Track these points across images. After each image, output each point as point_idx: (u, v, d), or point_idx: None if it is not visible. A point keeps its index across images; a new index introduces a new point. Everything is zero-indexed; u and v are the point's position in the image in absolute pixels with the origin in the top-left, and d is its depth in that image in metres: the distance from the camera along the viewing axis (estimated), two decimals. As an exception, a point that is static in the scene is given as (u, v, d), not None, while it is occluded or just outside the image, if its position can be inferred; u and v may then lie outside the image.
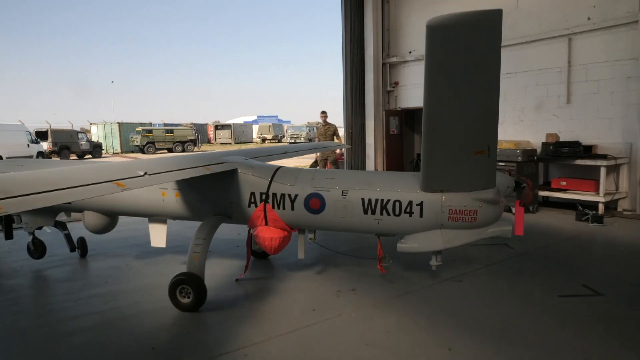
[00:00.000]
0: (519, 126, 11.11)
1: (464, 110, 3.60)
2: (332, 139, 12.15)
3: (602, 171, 8.86)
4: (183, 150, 40.39)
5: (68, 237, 6.36)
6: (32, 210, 5.15)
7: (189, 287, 4.47)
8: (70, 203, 5.04)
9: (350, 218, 4.54)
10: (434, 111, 3.64)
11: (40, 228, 6.17)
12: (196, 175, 4.31)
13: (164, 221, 5.42)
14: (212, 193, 4.98)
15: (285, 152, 7.13)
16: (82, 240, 6.59)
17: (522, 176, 4.96)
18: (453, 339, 3.86)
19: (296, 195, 4.68)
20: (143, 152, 38.58)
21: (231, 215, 5.01)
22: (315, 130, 45.04)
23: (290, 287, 5.22)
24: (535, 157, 9.63)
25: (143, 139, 39.20)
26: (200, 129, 51.26)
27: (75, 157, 33.27)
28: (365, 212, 4.47)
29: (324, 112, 12.49)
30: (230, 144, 52.91)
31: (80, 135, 34.62)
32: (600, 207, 8.87)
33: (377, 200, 4.44)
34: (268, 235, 4.70)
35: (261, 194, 4.79)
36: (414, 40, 13.86)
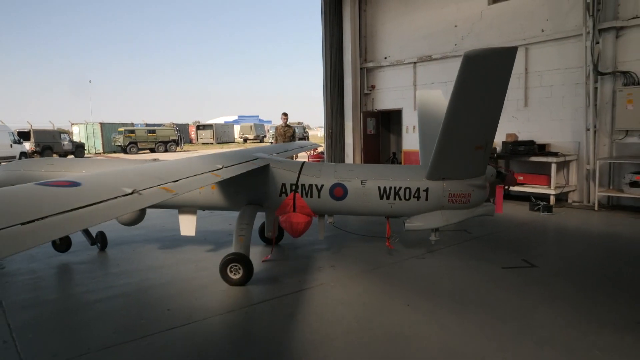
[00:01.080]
0: (483, 127, 12.18)
1: (477, 117, 4.76)
2: (290, 141, 12.65)
3: (553, 167, 9.99)
4: (165, 150, 40.73)
5: (87, 232, 6.86)
6: None
7: (239, 264, 5.25)
8: None
9: (369, 203, 5.57)
10: (456, 118, 4.71)
11: None
12: (248, 170, 5.10)
13: (193, 212, 6.09)
14: (247, 185, 5.74)
15: (285, 150, 8.01)
16: (101, 234, 7.04)
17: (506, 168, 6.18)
18: (412, 299, 4.82)
19: (322, 185, 5.62)
20: (125, 152, 38.81)
21: (263, 204, 5.84)
22: (296, 130, 45.92)
23: (290, 265, 6.12)
24: (495, 155, 10.70)
25: (125, 139, 39.42)
26: (182, 129, 51.51)
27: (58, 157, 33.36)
28: (381, 198, 5.52)
29: (285, 114, 12.94)
30: (212, 144, 53.31)
31: (62, 136, 34.70)
32: (552, 198, 10.00)
33: (390, 187, 5.52)
34: (295, 220, 5.57)
35: (291, 185, 5.67)
36: (388, 47, 14.87)
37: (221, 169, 4.61)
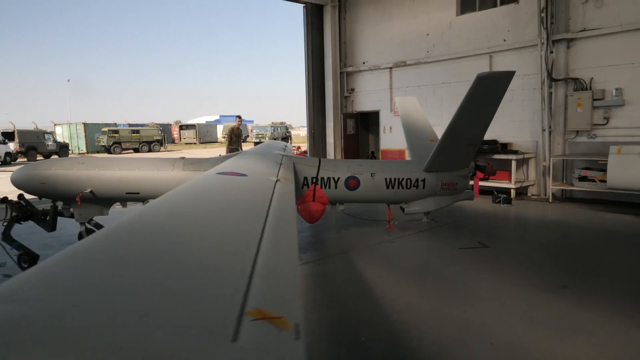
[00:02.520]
0: (453, 127, 13.30)
1: (477, 123, 6.00)
2: (240, 139, 13.68)
3: (513, 164, 11.12)
4: (149, 150, 41.13)
5: (97, 226, 7.29)
6: (90, 202, 6.44)
7: None
8: (138, 193, 6.38)
9: (377, 192, 6.72)
10: (462, 124, 5.95)
11: (89, 221, 6.87)
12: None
13: None
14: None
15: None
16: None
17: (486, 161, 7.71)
18: (381, 273, 5.79)
19: (338, 178, 6.62)
20: (109, 152, 39.10)
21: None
22: (279, 130, 46.72)
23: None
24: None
25: (109, 139, 39.71)
26: (165, 129, 51.84)
27: (42, 158, 33.60)
28: (387, 188, 6.68)
29: (239, 117, 13.92)
30: (195, 143, 53.74)
31: (46, 136, 34.86)
32: (512, 192, 11.12)
33: (395, 179, 6.72)
34: (314, 208, 6.51)
35: (312, 178, 6.63)
36: (367, 53, 15.89)
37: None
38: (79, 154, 40.67)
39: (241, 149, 12.85)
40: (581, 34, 10.61)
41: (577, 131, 10.85)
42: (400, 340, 3.99)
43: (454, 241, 7.29)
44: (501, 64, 12.18)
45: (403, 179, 6.73)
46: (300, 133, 63.83)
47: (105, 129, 41.00)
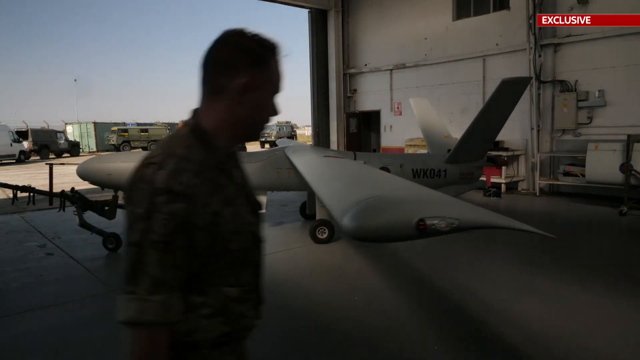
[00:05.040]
0: (449, 126, 14.03)
1: (497, 120, 6.84)
2: None
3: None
4: (158, 149, 42.03)
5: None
6: None
7: (324, 227, 7.04)
8: None
9: None
10: (485, 122, 6.88)
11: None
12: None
13: (264, 193, 7.52)
14: None
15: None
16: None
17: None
18: (371, 257, 6.66)
19: None
20: (119, 151, 40.11)
21: None
22: (284, 129, 47.56)
23: (289, 233, 7.94)
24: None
25: (119, 138, 40.61)
26: (172, 128, 52.83)
27: (54, 156, 34.59)
28: (414, 177, 7.53)
29: None
30: (202, 142, 54.60)
31: (59, 135, 35.91)
32: (503, 186, 11.95)
33: (420, 169, 7.64)
34: None
35: None
36: (368, 55, 16.75)
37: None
38: (89, 152, 41.73)
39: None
40: (567, 39, 11.42)
41: (563, 130, 11.67)
42: (391, 298, 4.87)
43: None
44: (494, 67, 13.01)
45: (428, 169, 7.63)
46: (305, 132, 64.65)
47: (115, 128, 41.95)
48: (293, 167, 7.28)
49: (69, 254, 6.82)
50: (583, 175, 10.21)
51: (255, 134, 1.41)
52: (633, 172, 8.87)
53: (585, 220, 8.80)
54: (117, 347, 3.81)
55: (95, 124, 43.03)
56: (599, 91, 10.98)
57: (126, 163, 7.08)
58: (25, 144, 32.35)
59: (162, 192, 1.15)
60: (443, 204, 2.58)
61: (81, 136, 42.58)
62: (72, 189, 7.17)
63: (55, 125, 43.65)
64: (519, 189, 12.49)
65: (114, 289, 5.22)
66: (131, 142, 41.10)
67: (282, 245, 7.08)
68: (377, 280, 5.48)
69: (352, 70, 17.21)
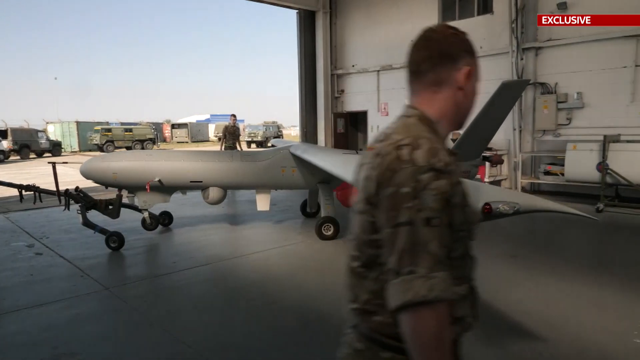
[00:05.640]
0: (434, 127, 14.41)
1: (493, 121, 7.17)
2: (238, 138, 14.02)
3: (487, 160, 12.24)
4: (142, 148, 41.72)
5: (153, 215, 7.74)
6: (156, 190, 7.07)
7: (330, 224, 7.16)
8: (201, 182, 7.12)
9: None
10: (484, 122, 7.07)
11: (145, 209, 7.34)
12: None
13: (268, 192, 7.69)
14: (320, 169, 7.29)
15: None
16: (167, 214, 8.26)
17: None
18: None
19: None
20: (102, 151, 39.63)
21: (330, 182, 7.64)
22: (271, 129, 47.58)
23: (280, 232, 8.07)
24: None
25: (102, 138, 40.17)
26: (156, 127, 52.41)
27: (35, 156, 34.06)
28: None
29: (233, 115, 14.20)
30: (187, 142, 54.37)
31: (40, 134, 35.39)
32: (486, 185, 12.24)
33: None
34: (350, 193, 7.44)
35: None
36: (356, 56, 16.96)
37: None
38: (72, 152, 41.16)
39: (240, 148, 13.60)
40: (547, 43, 11.76)
41: (544, 130, 12.01)
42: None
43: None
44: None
45: None
46: (291, 132, 64.77)
47: (98, 128, 41.48)
48: (298, 166, 7.45)
49: (58, 253, 6.84)
50: (562, 174, 10.54)
51: (466, 120, 1.48)
52: (609, 170, 9.23)
53: (564, 216, 9.10)
54: (116, 343, 3.92)
55: (77, 123, 42.47)
56: (578, 93, 11.34)
57: (132, 162, 7.09)
58: (5, 144, 31.76)
59: (426, 170, 1.15)
60: (499, 191, 2.79)
61: (63, 136, 42.02)
62: (77, 187, 7.17)
63: (36, 124, 43.02)
64: (502, 187, 12.80)
65: (108, 287, 5.30)
66: (115, 142, 40.66)
67: (274, 243, 7.22)
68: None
69: (340, 71, 17.39)
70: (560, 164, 10.87)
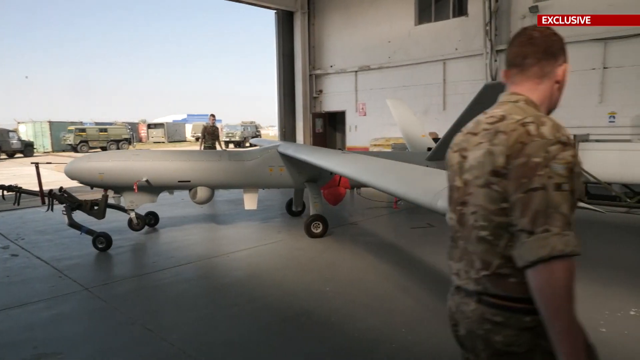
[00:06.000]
0: (412, 127, 14.64)
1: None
2: (217, 138, 13.85)
3: (463, 159, 12.51)
4: (118, 149, 41.03)
5: (139, 216, 7.68)
6: (143, 190, 7.02)
7: (319, 222, 7.24)
8: (189, 181, 7.09)
9: None
10: (465, 121, 7.17)
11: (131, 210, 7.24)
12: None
13: (255, 191, 7.71)
14: (308, 168, 7.50)
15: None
16: (153, 214, 8.20)
17: None
18: (340, 252, 6.94)
19: None
20: (76, 151, 38.82)
21: (317, 181, 7.75)
22: (249, 129, 47.38)
23: (259, 231, 8.10)
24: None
25: (76, 138, 39.35)
26: (132, 127, 51.59)
27: (6, 157, 33.18)
28: None
29: (212, 115, 14.12)
30: (163, 142, 53.67)
31: (11, 134, 34.49)
32: (462, 184, 12.51)
33: None
34: (337, 192, 7.61)
35: None
36: (334, 57, 17.09)
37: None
38: (44, 152, 40.20)
39: (221, 147, 13.50)
40: (520, 45, 12.08)
41: (517, 130, 12.34)
42: (360, 286, 5.16)
43: (406, 222, 8.55)
44: (453, 71, 13.59)
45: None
46: (270, 132, 64.61)
47: (72, 128, 40.61)
48: (286, 165, 7.54)
49: (35, 254, 6.74)
50: (535, 173, 10.86)
51: (554, 110, 1.67)
52: None
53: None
54: (98, 342, 3.92)
55: (50, 123, 41.48)
56: (549, 94, 11.68)
57: (119, 162, 6.99)
58: (-25, 144, 30.95)
59: (553, 143, 1.34)
60: None
61: (35, 136, 40.99)
62: (61, 188, 7.04)
63: (6, 124, 41.86)
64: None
65: (88, 287, 5.27)
66: (89, 142, 39.90)
67: (254, 242, 7.26)
68: (346, 272, 5.76)
69: (318, 71, 17.49)
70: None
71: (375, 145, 14.17)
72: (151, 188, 7.16)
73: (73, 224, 6.77)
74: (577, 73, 11.31)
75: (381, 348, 3.76)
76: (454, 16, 13.78)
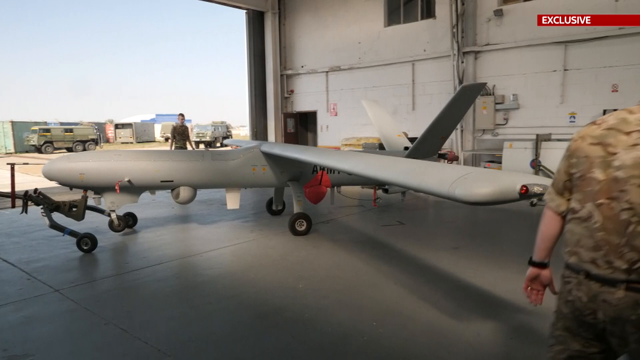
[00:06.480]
0: (382, 126, 14.89)
1: (452, 120, 7.72)
2: (188, 138, 13.74)
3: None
4: (84, 150, 40.01)
5: (120, 217, 7.58)
6: (123, 190, 6.90)
7: (303, 220, 7.37)
8: (172, 181, 7.04)
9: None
10: (443, 122, 7.38)
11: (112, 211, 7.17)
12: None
13: (237, 190, 7.74)
14: (290, 167, 7.68)
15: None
16: (132, 214, 8.14)
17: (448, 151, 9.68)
18: (311, 249, 7.06)
19: None
20: (40, 152, 37.68)
21: (299, 180, 7.84)
22: (219, 129, 46.94)
23: (232, 231, 8.12)
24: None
25: (40, 138, 38.18)
26: (99, 127, 50.35)
27: (-35, 157, 31.89)
28: None
29: (181, 115, 13.87)
30: (132, 143, 52.62)
31: (-30, 135, 33.18)
32: (431, 182, 12.83)
33: None
34: (318, 190, 7.65)
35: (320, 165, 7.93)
36: (305, 57, 17.19)
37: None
38: (6, 153, 38.81)
39: (192, 147, 13.39)
40: (485, 47, 12.49)
41: (483, 130, 12.74)
42: (332, 282, 5.28)
43: (379, 220, 8.73)
44: (422, 71, 13.90)
45: None
46: (241, 132, 64.19)
47: (36, 128, 39.37)
48: (269, 164, 7.67)
49: (1, 257, 6.60)
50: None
51: None
52: (541, 167, 9.97)
53: (501, 211, 9.74)
54: (70, 343, 3.90)
55: (12, 123, 40.06)
56: (513, 95, 12.13)
57: (100, 162, 6.87)
58: None
59: None
60: (526, 175, 3.18)
61: (-5, 136, 39.48)
62: (36, 189, 6.85)
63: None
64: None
65: (58, 289, 5.21)
66: (54, 143, 38.78)
67: (227, 242, 7.29)
68: (319, 269, 5.87)
69: (289, 72, 17.56)
70: (498, 161, 11.59)
71: (346, 145, 14.35)
72: (133, 188, 7.10)
73: (55, 226, 6.64)
74: (540, 75, 11.77)
75: (353, 341, 3.89)
76: (422, 18, 14.10)
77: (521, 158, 10.35)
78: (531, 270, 2.19)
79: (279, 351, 3.77)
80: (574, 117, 11.62)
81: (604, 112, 10.94)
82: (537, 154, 10.04)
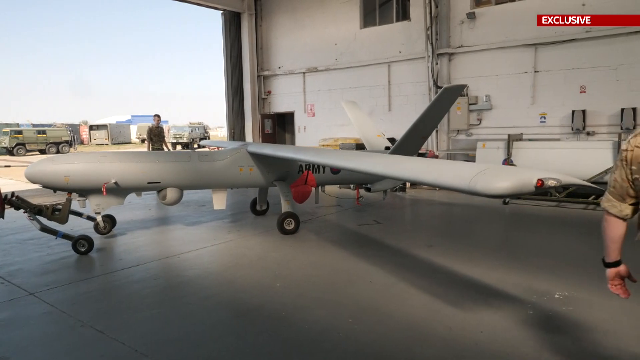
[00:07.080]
0: (359, 127, 15.05)
1: (433, 120, 7.90)
2: (163, 139, 13.56)
3: (408, 158, 13.05)
4: (58, 152, 39.16)
5: (106, 219, 7.60)
6: (109, 192, 6.81)
7: (291, 219, 7.47)
8: (159, 182, 6.99)
9: (354, 176, 8.33)
10: (425, 122, 7.49)
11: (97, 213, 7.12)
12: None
13: (224, 190, 7.77)
14: (277, 167, 7.77)
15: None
16: (110, 217, 7.94)
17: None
18: (288, 249, 7.13)
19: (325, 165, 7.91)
20: (12, 154, 36.74)
21: (285, 179, 7.92)
22: (197, 130, 46.54)
23: (210, 232, 8.12)
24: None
25: (12, 140, 37.24)
26: (73, 129, 49.32)
27: None
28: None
29: (157, 116, 13.71)
30: (107, 144, 51.71)
31: (-63, 137, 32.15)
32: (407, 182, 13.02)
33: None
34: (304, 190, 7.74)
35: (306, 165, 7.99)
36: (282, 58, 17.24)
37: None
38: (-22, 156, 37.68)
39: (167, 148, 13.29)
40: (459, 49, 12.77)
41: (458, 130, 13.01)
42: (309, 281, 5.36)
43: (355, 220, 8.85)
44: (398, 73, 14.11)
45: None
46: (218, 133, 63.74)
47: (7, 130, 38.39)
48: (256, 164, 7.77)
49: (-28, 262, 6.48)
50: (474, 171, 11.52)
51: None
52: (512, 166, 10.26)
53: (475, 208, 10.00)
54: (47, 345, 3.89)
55: (-18, 125, 38.92)
56: (486, 96, 12.43)
57: (86, 164, 6.76)
58: None
59: None
60: (540, 170, 3.34)
61: (-36, 138, 38.31)
62: (12, 193, 6.67)
63: None
64: (421, 184, 13.67)
65: (33, 292, 5.16)
66: (27, 145, 37.87)
67: (204, 243, 7.31)
68: (296, 268, 5.95)
69: (267, 73, 17.59)
70: (472, 161, 11.85)
71: (324, 145, 14.46)
72: (119, 190, 7.04)
73: (46, 229, 6.50)
74: (511, 76, 12.09)
75: (329, 337, 3.98)
76: (397, 20, 14.31)
77: (494, 157, 10.61)
78: (609, 271, 2.38)
79: (258, 349, 3.84)
80: (544, 118, 11.96)
81: (573, 112, 11.34)
82: (509, 154, 10.32)
